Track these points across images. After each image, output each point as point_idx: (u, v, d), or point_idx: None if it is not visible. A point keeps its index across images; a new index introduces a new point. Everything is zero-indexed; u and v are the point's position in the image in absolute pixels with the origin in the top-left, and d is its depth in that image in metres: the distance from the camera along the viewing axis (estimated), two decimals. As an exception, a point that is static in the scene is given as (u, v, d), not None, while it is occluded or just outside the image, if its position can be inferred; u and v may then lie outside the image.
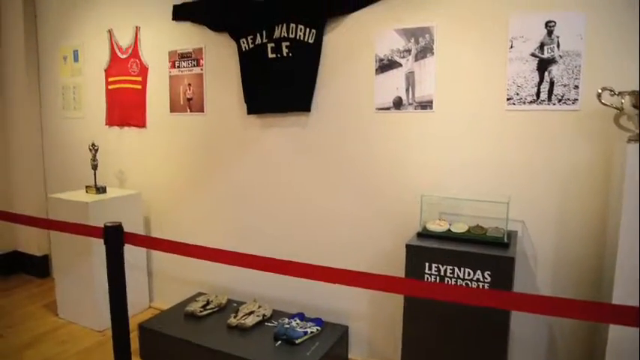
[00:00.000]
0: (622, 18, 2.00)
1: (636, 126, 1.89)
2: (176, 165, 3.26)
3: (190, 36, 3.06)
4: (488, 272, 1.89)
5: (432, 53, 2.36)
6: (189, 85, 3.11)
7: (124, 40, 3.36)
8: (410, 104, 2.44)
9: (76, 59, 3.65)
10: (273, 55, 2.72)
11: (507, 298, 1.55)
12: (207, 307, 2.85)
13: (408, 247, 2.05)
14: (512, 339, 2.35)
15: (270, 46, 2.71)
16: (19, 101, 3.89)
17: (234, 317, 2.70)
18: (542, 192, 2.21)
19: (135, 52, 3.31)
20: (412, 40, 2.40)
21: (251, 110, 2.86)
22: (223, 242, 3.09)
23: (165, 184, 3.33)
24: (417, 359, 2.12)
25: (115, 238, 1.82)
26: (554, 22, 2.13)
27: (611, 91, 1.95)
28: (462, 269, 1.93)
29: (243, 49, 2.81)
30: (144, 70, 3.30)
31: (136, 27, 3.28)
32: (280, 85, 2.73)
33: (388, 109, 2.50)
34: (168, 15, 3.10)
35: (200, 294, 3.12)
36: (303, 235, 2.84)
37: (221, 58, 2.96)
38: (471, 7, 2.26)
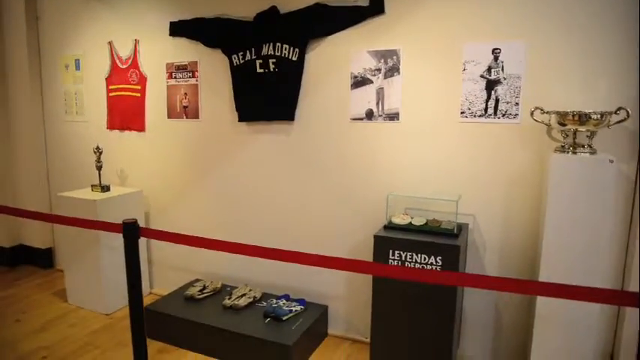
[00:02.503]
0: (555, 47, 2.42)
1: (562, 140, 2.32)
2: (173, 165, 3.62)
3: (186, 50, 3.40)
4: (440, 257, 2.32)
5: (399, 72, 2.76)
6: (185, 94, 3.46)
7: (124, 51, 3.69)
8: (380, 116, 2.84)
9: (77, 68, 3.97)
10: (262, 70, 3.08)
11: (451, 277, 1.97)
12: (204, 291, 3.24)
13: (376, 237, 2.47)
14: (465, 316, 2.80)
15: (258, 62, 3.08)
16: (23, 107, 4.19)
17: (229, 299, 3.10)
18: (490, 190, 2.65)
19: (134, 63, 3.64)
20: (382, 61, 2.80)
21: (241, 118, 3.23)
22: (216, 234, 3.46)
23: (163, 183, 3.69)
24: (384, 331, 2.54)
25: (132, 232, 2.18)
26: (500, 50, 2.54)
27: (541, 109, 2.38)
28: (419, 255, 2.36)
29: (235, 64, 3.18)
30: (143, 80, 3.63)
31: (135, 40, 3.61)
32: (268, 96, 3.10)
33: (361, 119, 2.90)
34: (166, 30, 3.44)
35: (197, 280, 3.50)
36: (286, 228, 3.23)
37: (214, 70, 3.31)
38: (431, 34, 2.66)
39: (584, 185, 2.14)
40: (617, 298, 1.56)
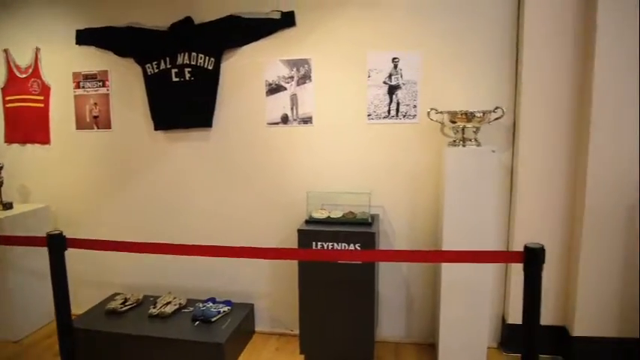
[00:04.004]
0: (445, 57, 2.83)
1: (454, 135, 2.70)
2: (85, 178, 3.51)
3: (95, 59, 3.34)
4: (358, 245, 2.57)
5: (310, 80, 3.00)
6: (95, 104, 3.39)
7: (23, 60, 3.51)
8: (294, 120, 3.06)
9: (-34, 78, 3.68)
10: (177, 79, 3.15)
11: (370, 254, 2.23)
12: (127, 304, 3.18)
13: (299, 231, 2.66)
14: (381, 299, 3.09)
15: (174, 71, 3.14)
16: None
17: (154, 308, 3.09)
18: (397, 184, 2.98)
19: (35, 72, 3.48)
20: (294, 69, 3.02)
21: (158, 127, 3.25)
22: (136, 245, 3.42)
23: (74, 197, 3.55)
24: (311, 319, 2.73)
25: (58, 244, 2.13)
26: (398, 58, 2.89)
27: (435, 110, 2.75)
28: (340, 244, 2.59)
29: (149, 73, 3.20)
30: (46, 90, 3.49)
31: (36, 48, 3.46)
32: (184, 104, 3.16)
33: (277, 123, 3.09)
34: (71, 39, 3.34)
35: (116, 294, 3.42)
36: (211, 233, 3.30)
37: (126, 79, 3.30)
38: (338, 44, 2.94)
39: (473, 172, 2.52)
40: (505, 257, 1.91)
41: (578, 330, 2.70)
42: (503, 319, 2.96)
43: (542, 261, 1.79)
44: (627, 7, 2.45)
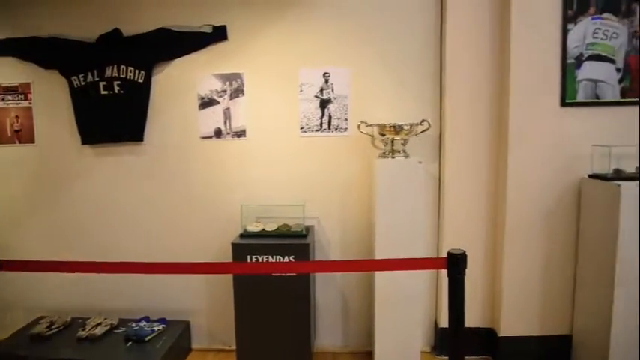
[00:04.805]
0: (374, 72, 2.94)
1: (383, 147, 2.80)
2: (6, 196, 3.31)
3: (16, 70, 3.18)
4: (293, 256, 2.60)
5: (243, 94, 3.01)
6: (17, 117, 3.22)
7: None
8: (228, 134, 3.05)
9: None
10: (106, 92, 3.06)
11: (298, 266, 2.26)
12: (53, 327, 3.02)
13: (233, 245, 2.65)
14: (318, 310, 3.12)
15: (102, 83, 3.05)
16: None
17: (83, 330, 2.95)
18: (330, 195, 3.04)
19: (-51, 85, 3.27)
20: (227, 83, 3.02)
21: (85, 141, 3.14)
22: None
23: (-7, 216, 3.35)
24: (248, 334, 2.71)
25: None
26: (329, 73, 2.96)
27: (365, 123, 2.84)
28: (274, 257, 2.61)
29: (75, 86, 3.09)
30: (-39, 103, 3.28)
31: (-51, 59, 3.25)
32: (113, 118, 3.07)
33: (210, 137, 3.07)
34: (-11, 49, 3.18)
35: (41, 317, 3.23)
36: (142, 251, 3.20)
37: (51, 92, 3.15)
38: (270, 59, 2.98)
39: (402, 182, 2.62)
40: (430, 263, 2.00)
41: (505, 330, 2.85)
42: (436, 324, 3.08)
43: (465, 265, 1.89)
44: (539, 24, 2.64)
